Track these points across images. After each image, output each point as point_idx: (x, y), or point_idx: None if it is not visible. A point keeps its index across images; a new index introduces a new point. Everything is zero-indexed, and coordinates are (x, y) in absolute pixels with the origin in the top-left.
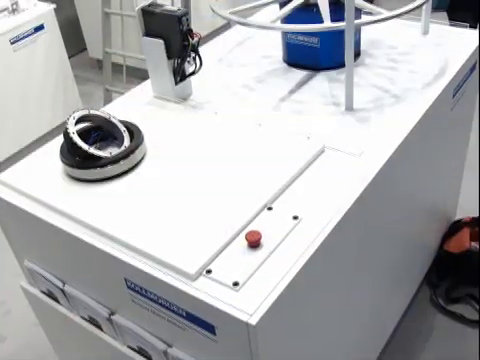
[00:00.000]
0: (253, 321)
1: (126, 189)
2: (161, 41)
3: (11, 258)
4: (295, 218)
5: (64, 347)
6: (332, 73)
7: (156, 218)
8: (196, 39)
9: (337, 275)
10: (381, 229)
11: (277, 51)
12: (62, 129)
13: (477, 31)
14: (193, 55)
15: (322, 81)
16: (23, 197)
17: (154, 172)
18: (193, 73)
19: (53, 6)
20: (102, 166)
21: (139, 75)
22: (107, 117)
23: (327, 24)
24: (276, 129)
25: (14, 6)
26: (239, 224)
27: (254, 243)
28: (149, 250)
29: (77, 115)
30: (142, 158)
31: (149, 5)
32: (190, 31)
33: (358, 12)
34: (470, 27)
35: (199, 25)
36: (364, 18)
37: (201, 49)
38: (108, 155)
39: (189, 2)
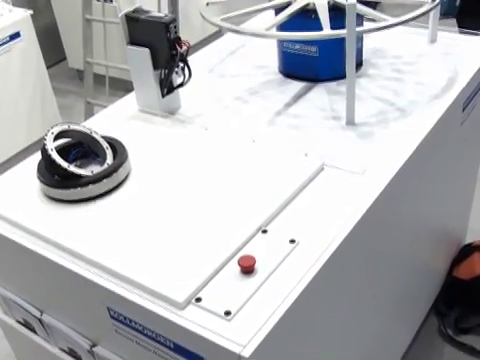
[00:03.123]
0: (246, 353)
1: (109, 210)
2: (147, 50)
3: None
4: (292, 242)
5: None
6: (332, 85)
7: (141, 242)
8: (185, 48)
9: (338, 303)
10: (385, 254)
11: (272, 61)
12: (39, 145)
13: None
14: (181, 65)
15: (321, 93)
16: None
17: (139, 192)
18: (181, 85)
19: (30, 12)
20: (83, 185)
21: (123, 87)
22: (88, 132)
23: (326, 32)
24: (271, 145)
25: None
26: (231, 248)
27: (247, 269)
28: (134, 276)
29: (56, 130)
30: (126, 177)
31: (134, 11)
32: (178, 39)
33: (360, 19)
34: None
35: (188, 33)
36: (367, 25)
37: (190, 59)
38: (89, 173)
39: (177, 8)
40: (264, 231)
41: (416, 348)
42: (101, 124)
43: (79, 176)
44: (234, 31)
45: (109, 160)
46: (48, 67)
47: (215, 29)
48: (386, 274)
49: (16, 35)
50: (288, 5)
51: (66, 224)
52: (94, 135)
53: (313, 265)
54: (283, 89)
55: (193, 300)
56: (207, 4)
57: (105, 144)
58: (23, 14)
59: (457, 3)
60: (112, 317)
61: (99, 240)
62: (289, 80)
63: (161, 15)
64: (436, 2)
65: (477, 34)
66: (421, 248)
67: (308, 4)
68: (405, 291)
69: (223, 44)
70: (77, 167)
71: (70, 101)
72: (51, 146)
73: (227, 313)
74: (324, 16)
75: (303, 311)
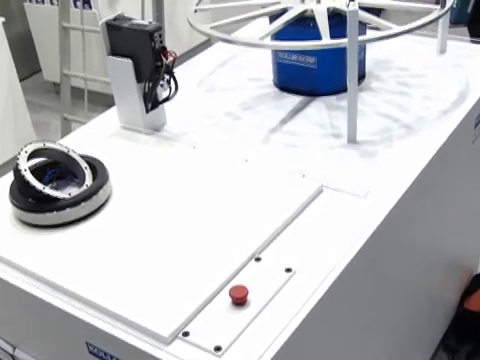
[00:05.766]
0: None
1: (88, 236)
2: (129, 61)
3: None
4: (288, 271)
5: None
6: (332, 99)
7: (123, 271)
8: (171, 59)
9: (337, 337)
10: (390, 283)
11: (267, 73)
12: (11, 165)
13: None
14: (167, 77)
15: (320, 108)
16: None
17: (121, 216)
18: (167, 99)
19: (1, 20)
20: (59, 209)
21: (103, 101)
22: (65, 151)
23: (326, 41)
24: (266, 165)
25: None
26: (222, 278)
27: (239, 300)
28: (115, 309)
29: (30, 149)
30: (107, 200)
31: (115, 18)
32: (164, 49)
33: (363, 27)
34: None
35: (174, 42)
36: (370, 34)
37: (177, 70)
38: (66, 196)
39: (162, 15)
40: (257, 259)
41: None
42: (79, 142)
43: (55, 199)
44: (225, 40)
45: (88, 181)
46: (21, 80)
47: (204, 38)
48: (391, 306)
49: None
50: (284, 12)
51: (41, 251)
52: (72, 154)
53: (311, 296)
54: (278, 104)
55: (180, 334)
56: (195, 11)
57: (84, 164)
58: None
59: (469, 10)
60: (91, 353)
61: (77, 269)
62: (285, 94)
63: (145, 23)
64: (445, 9)
65: None
66: (429, 278)
67: (306, 11)
68: (412, 325)
69: (213, 54)
70: (53, 189)
71: (45, 117)
72: (25, 166)
73: (217, 349)
74: (323, 24)
75: (300, 346)
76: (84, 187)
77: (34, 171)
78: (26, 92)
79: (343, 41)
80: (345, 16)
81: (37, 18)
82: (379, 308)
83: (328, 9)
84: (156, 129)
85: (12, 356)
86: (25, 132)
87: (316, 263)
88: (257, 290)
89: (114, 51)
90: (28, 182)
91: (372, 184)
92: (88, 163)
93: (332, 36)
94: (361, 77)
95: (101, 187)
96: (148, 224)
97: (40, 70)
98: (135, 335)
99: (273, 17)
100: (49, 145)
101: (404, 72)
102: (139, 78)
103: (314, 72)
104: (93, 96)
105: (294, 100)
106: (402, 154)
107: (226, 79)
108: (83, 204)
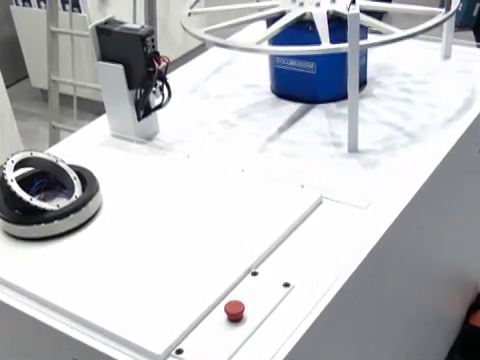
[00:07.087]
0: None
1: (77, 249)
2: (120, 67)
3: None
4: (286, 285)
5: None
6: (332, 106)
7: (114, 285)
8: (164, 64)
9: (337, 355)
10: (392, 299)
11: (264, 79)
12: None
13: None
14: (160, 84)
15: (319, 116)
16: None
17: (112, 229)
18: (160, 106)
19: None
20: (47, 221)
21: (93, 109)
22: (54, 161)
23: (326, 46)
24: (263, 176)
25: None
26: (217, 293)
27: (235, 316)
28: (105, 325)
29: (16, 158)
30: (97, 211)
31: (106, 22)
32: (156, 54)
33: (364, 31)
34: None
35: (167, 47)
36: (371, 38)
37: (170, 76)
38: (55, 207)
39: (155, 19)
40: (254, 273)
41: None
42: (68, 151)
43: (43, 210)
44: (220, 45)
45: (77, 192)
46: (7, 86)
47: (198, 43)
48: (393, 322)
49: None
50: (281, 15)
51: (28, 265)
52: (60, 164)
53: (310, 312)
54: (276, 111)
55: (173, 352)
56: (189, 14)
57: (73, 174)
58: None
59: (475, 13)
60: None
61: (65, 283)
62: (283, 101)
63: (137, 27)
64: (450, 12)
65: None
66: (434, 293)
67: (304, 14)
68: (415, 341)
69: (208, 60)
70: (41, 200)
71: (33, 125)
72: (11, 176)
73: None
74: (323, 28)
75: None
76: (73, 198)
77: (21, 182)
78: (12, 99)
79: (344, 46)
80: (345, 20)
81: (24, 22)
82: (381, 324)
83: (328, 12)
84: (148, 138)
85: None
86: (11, 141)
87: (315, 277)
88: (254, 306)
89: (104, 56)
90: (14, 193)
91: (374, 195)
92: (77, 173)
93: (332, 40)
94: (362, 83)
95: (91, 198)
96: (140, 237)
97: (27, 76)
98: (126, 353)
99: (270, 21)
100: (36, 154)
101: (407, 78)
102: (130, 84)
103: (313, 78)
104: (82, 103)
105: (292, 107)
106: (405, 164)
107: (221, 85)
108: (72, 216)
